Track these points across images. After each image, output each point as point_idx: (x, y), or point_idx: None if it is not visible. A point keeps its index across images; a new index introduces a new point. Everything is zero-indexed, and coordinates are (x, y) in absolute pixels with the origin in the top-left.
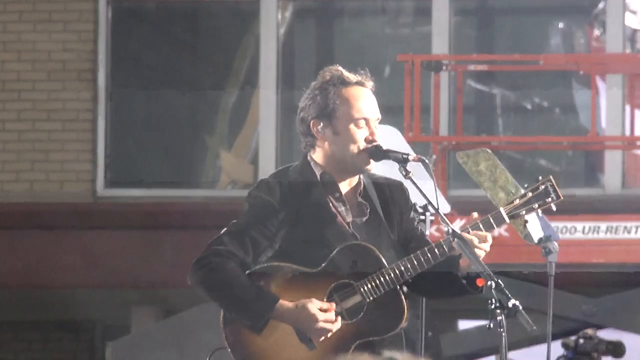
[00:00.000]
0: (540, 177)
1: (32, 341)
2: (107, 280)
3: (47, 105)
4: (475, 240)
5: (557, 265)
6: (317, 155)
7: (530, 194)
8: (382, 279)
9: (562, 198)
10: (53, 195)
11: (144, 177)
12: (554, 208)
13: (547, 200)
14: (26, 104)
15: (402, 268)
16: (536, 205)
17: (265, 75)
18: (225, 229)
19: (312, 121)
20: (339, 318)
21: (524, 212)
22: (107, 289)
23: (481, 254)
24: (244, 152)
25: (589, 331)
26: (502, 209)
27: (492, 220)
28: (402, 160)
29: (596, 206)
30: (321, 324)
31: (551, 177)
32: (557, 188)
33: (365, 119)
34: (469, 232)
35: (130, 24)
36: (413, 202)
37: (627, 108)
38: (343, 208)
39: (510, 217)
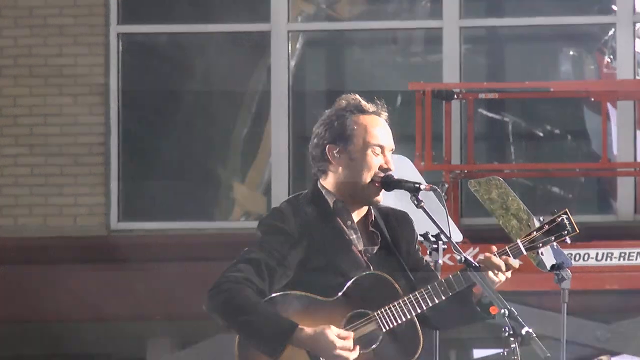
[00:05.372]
0: (555, 210)
1: None
2: (122, 313)
3: (59, 139)
4: (503, 266)
5: (571, 292)
6: (329, 182)
7: (546, 227)
8: (399, 309)
9: (577, 231)
10: (67, 229)
11: (157, 209)
12: (568, 241)
13: (563, 233)
14: (38, 138)
15: (420, 298)
16: (553, 238)
17: (277, 107)
18: (239, 256)
19: (327, 146)
20: (357, 347)
21: (540, 245)
22: (122, 322)
23: (502, 279)
24: (257, 184)
25: (603, 357)
26: (519, 242)
27: (509, 253)
28: (414, 189)
29: (609, 233)
30: (339, 351)
31: (567, 210)
32: (573, 221)
33: (381, 147)
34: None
35: (140, 57)
36: (426, 230)
37: (639, 134)
38: (355, 236)
39: (528, 250)
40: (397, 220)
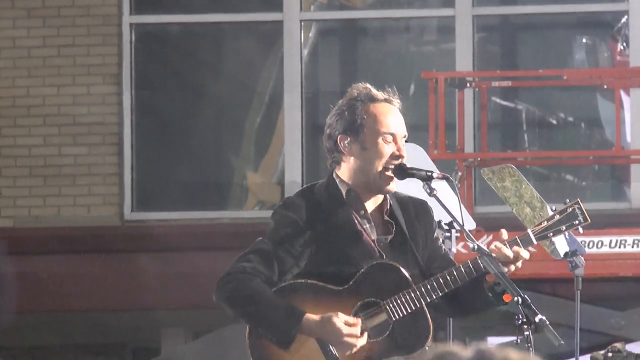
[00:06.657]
0: (567, 200)
1: None
2: (136, 302)
3: (73, 129)
4: (512, 257)
5: (584, 279)
6: (343, 172)
7: (557, 216)
8: (408, 297)
9: (589, 221)
10: (80, 220)
11: (171, 199)
12: (580, 230)
13: (574, 222)
14: (52, 129)
15: (429, 287)
16: (564, 228)
17: (290, 96)
18: (251, 246)
19: (339, 136)
20: (365, 334)
21: (551, 234)
22: (136, 312)
23: (512, 269)
24: (271, 173)
25: (618, 345)
26: (530, 231)
27: (519, 242)
28: (426, 178)
29: (622, 220)
30: (346, 338)
31: (579, 199)
32: (584, 210)
33: (393, 135)
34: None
35: (153, 47)
36: (439, 219)
37: None
38: (368, 225)
39: (538, 239)
40: (416, 210)
